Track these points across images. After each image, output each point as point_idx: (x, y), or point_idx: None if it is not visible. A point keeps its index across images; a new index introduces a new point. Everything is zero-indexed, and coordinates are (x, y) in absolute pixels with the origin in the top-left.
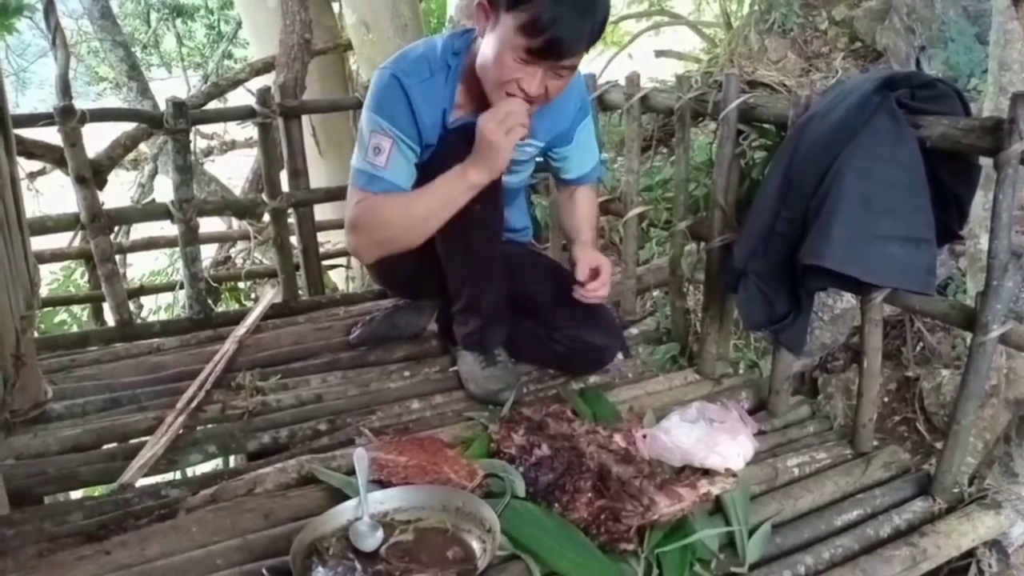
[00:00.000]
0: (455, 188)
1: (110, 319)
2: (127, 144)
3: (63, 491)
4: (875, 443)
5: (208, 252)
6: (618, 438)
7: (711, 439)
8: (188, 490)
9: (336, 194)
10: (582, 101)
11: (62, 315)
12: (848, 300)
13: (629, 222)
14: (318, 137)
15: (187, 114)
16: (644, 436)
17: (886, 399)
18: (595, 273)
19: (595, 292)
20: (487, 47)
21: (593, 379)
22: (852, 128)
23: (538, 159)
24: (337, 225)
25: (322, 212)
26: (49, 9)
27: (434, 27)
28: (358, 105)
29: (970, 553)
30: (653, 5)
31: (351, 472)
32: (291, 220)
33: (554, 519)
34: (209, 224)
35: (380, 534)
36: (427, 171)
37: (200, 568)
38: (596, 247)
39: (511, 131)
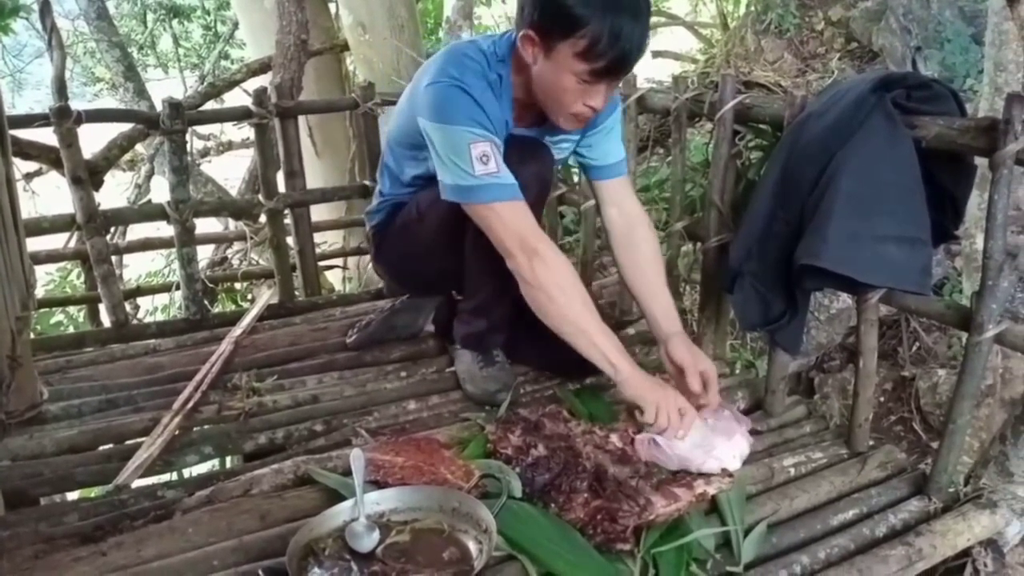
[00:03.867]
0: (599, 361)
1: (106, 320)
2: (123, 145)
3: (59, 492)
4: (871, 443)
5: (204, 253)
6: (614, 438)
7: (707, 444)
8: (184, 491)
9: (332, 195)
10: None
11: (58, 316)
12: (844, 300)
13: None
14: (314, 138)
15: (183, 115)
16: (643, 441)
17: (882, 399)
18: (704, 378)
19: (711, 406)
20: (545, 78)
21: (589, 379)
22: (848, 129)
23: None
24: (333, 226)
25: (318, 213)
26: (45, 10)
27: (431, 28)
28: (355, 105)
29: (966, 552)
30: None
31: (347, 473)
32: (287, 221)
33: (550, 519)
34: (205, 225)
35: (376, 535)
36: None
37: (196, 569)
38: (685, 335)
39: (660, 421)
